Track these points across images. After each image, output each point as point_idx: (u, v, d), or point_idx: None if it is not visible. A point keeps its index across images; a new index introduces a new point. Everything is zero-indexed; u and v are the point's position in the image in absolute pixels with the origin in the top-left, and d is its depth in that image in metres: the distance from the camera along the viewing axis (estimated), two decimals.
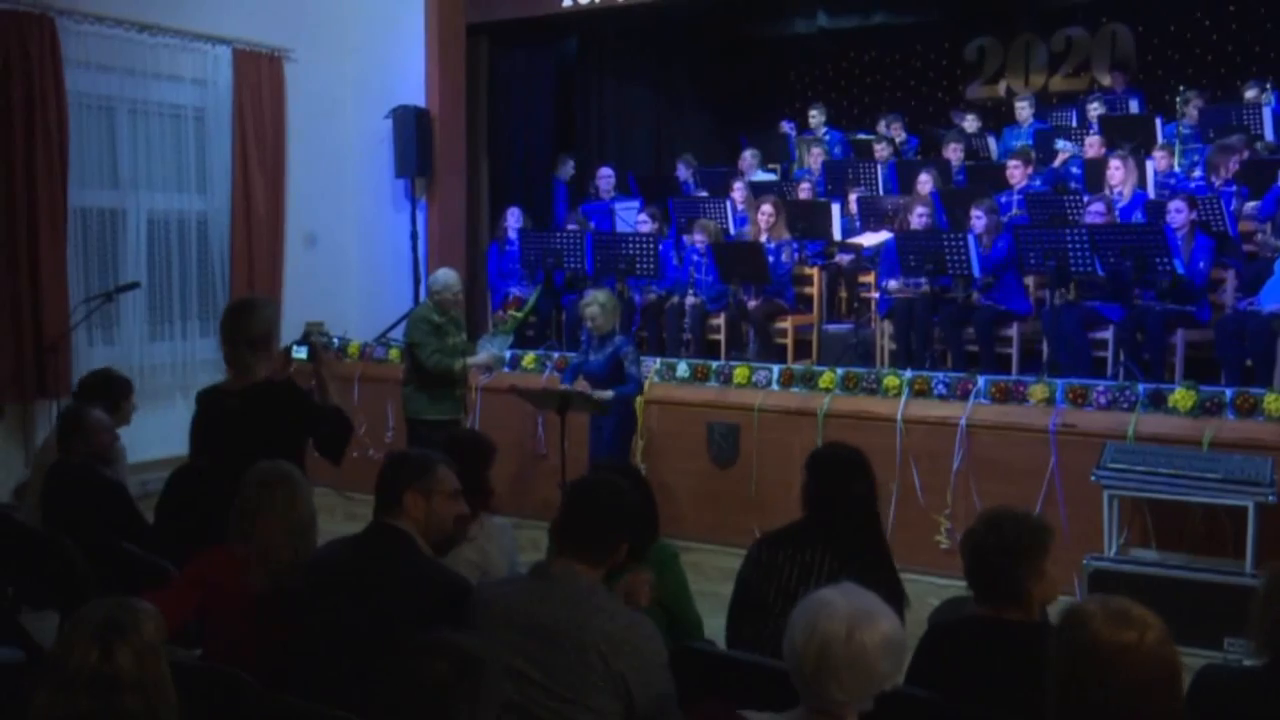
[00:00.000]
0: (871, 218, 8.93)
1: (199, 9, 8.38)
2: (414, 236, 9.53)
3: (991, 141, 10.60)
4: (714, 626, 3.59)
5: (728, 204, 9.20)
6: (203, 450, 4.24)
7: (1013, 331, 7.25)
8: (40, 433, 6.99)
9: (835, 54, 13.23)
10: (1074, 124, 10.37)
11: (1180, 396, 5.86)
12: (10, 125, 7.22)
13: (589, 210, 9.95)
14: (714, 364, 7.27)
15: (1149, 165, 8.50)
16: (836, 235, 8.81)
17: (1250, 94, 9.54)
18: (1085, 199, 7.81)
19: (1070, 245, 6.87)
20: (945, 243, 7.24)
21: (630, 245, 8.19)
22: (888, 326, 7.68)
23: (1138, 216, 7.71)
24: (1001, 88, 12.55)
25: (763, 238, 8.12)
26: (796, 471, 3.59)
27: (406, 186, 9.65)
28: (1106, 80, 11.69)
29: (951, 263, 7.19)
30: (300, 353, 4.37)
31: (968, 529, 2.87)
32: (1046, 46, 12.36)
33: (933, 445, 6.35)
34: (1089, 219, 7.26)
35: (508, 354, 7.38)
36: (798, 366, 7.11)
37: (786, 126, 11.71)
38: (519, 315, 7.59)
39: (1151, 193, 8.31)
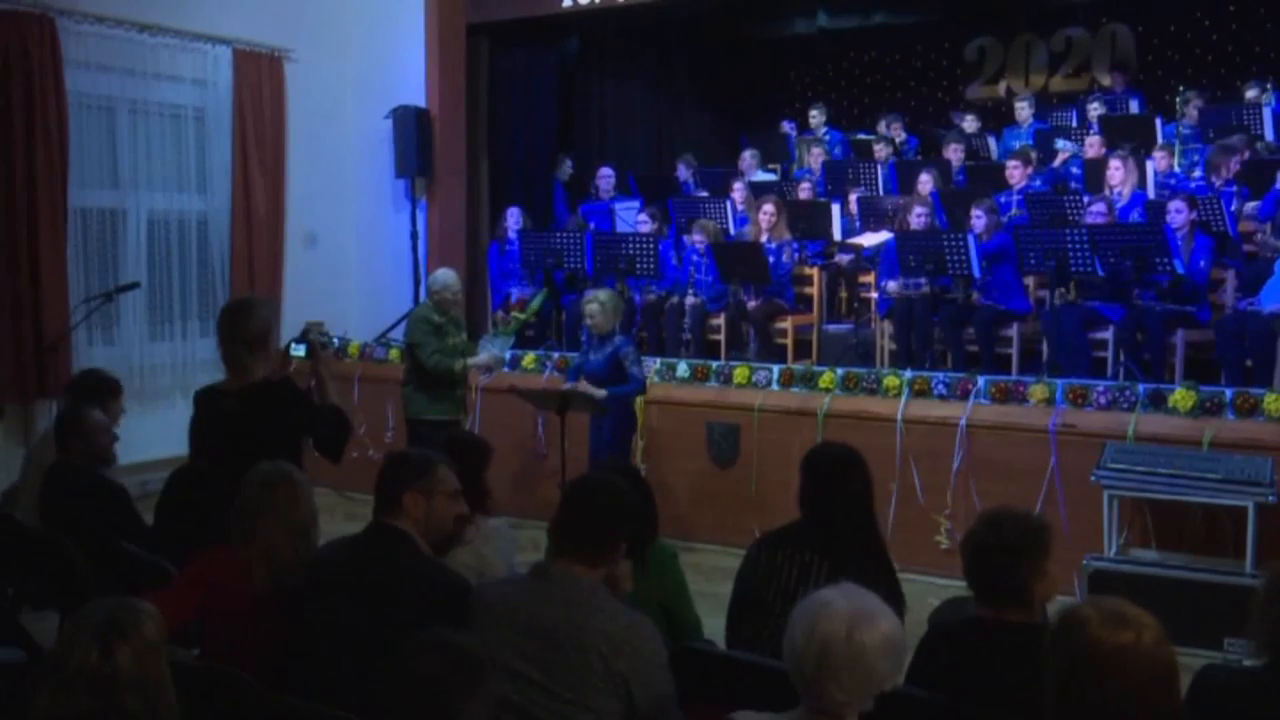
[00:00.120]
0: (871, 218, 8.94)
1: (199, 9, 8.38)
2: (414, 236, 9.53)
3: (991, 142, 10.60)
4: (714, 626, 3.59)
5: (728, 204, 9.20)
6: (201, 451, 4.23)
7: (1013, 332, 7.25)
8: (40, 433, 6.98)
9: (835, 54, 13.23)
10: (1074, 124, 10.37)
11: (1180, 397, 5.86)
12: (10, 125, 7.22)
13: (589, 210, 9.96)
14: (714, 364, 7.27)
15: (1149, 165, 8.51)
16: (836, 235, 8.81)
17: (1251, 94, 9.54)
18: (1085, 199, 7.81)
19: (1070, 245, 6.87)
20: (945, 243, 7.24)
21: (630, 245, 8.19)
22: (888, 326, 7.69)
23: (1136, 216, 7.71)
24: (1001, 88, 12.56)
25: (764, 238, 8.12)
26: (796, 472, 3.58)
27: (407, 186, 9.65)
28: (1106, 80, 11.69)
29: (951, 263, 7.18)
30: (299, 351, 4.37)
31: (969, 529, 2.86)
32: (1046, 46, 12.36)
33: (933, 445, 6.35)
34: (1090, 219, 7.27)
35: (508, 354, 7.38)
36: (798, 366, 7.11)
37: (787, 126, 11.71)
38: (521, 317, 7.59)
39: (1151, 193, 8.32)
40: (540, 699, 2.65)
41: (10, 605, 4.37)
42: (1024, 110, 10.40)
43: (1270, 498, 5.13)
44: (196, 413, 4.21)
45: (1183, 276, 6.76)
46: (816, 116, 11.28)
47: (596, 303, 6.45)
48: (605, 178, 10.12)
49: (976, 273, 7.20)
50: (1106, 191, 8.00)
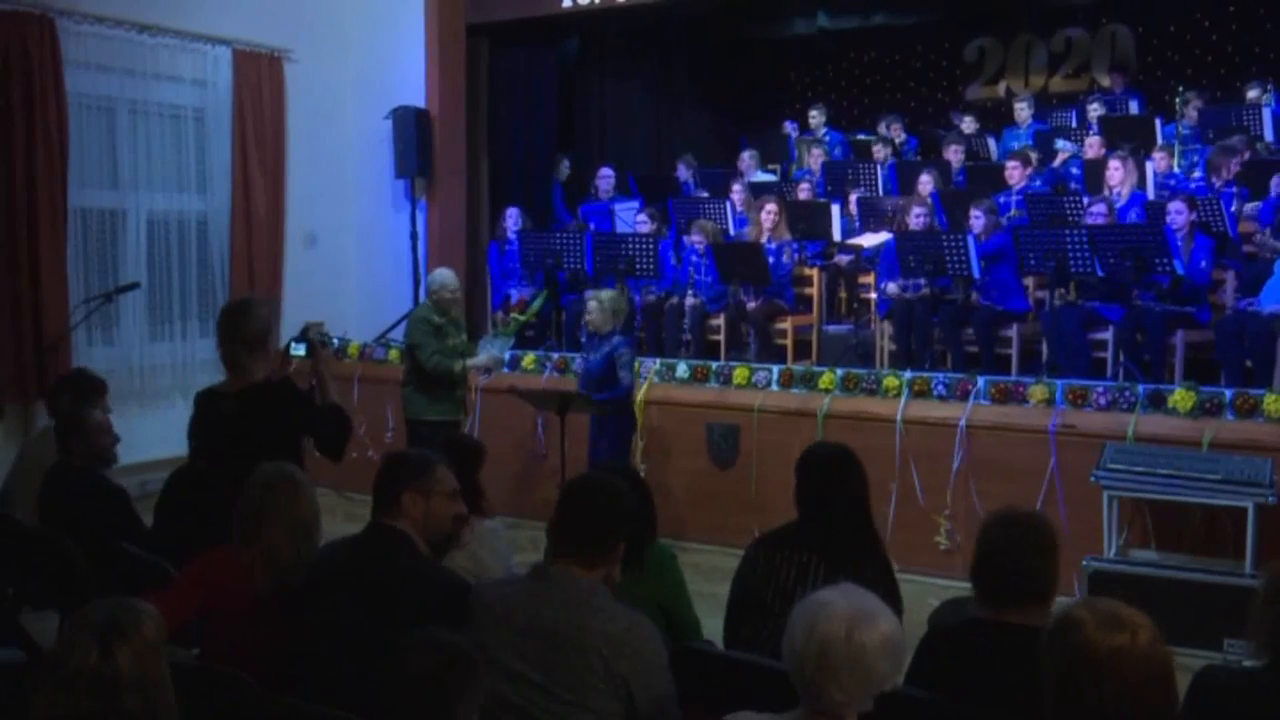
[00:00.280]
0: (871, 218, 8.94)
1: (199, 10, 8.38)
2: (414, 237, 9.53)
3: (991, 142, 10.60)
4: (713, 627, 3.59)
5: (728, 205, 9.20)
6: (201, 452, 4.23)
7: (1012, 332, 7.25)
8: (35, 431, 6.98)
9: (835, 54, 13.23)
10: (1074, 125, 10.37)
11: (1180, 397, 5.86)
12: (10, 125, 7.22)
13: (588, 211, 9.96)
14: (714, 364, 7.27)
15: (1149, 166, 8.51)
16: (836, 236, 8.81)
17: (1252, 94, 9.54)
18: (1085, 200, 7.82)
19: (1070, 246, 6.87)
20: (944, 243, 7.24)
21: (630, 246, 8.19)
22: (887, 327, 7.69)
23: (1135, 216, 7.71)
24: (1001, 88, 12.55)
25: (765, 238, 8.12)
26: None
27: (406, 187, 9.65)
28: (1106, 81, 11.69)
29: (951, 263, 7.18)
30: (299, 350, 4.37)
31: (984, 530, 2.80)
32: (1046, 47, 12.35)
33: (932, 446, 6.35)
34: (1089, 220, 7.27)
35: (507, 355, 7.38)
36: (797, 367, 7.11)
37: (790, 127, 11.70)
38: (521, 318, 7.59)
39: (1151, 193, 8.32)
40: (540, 700, 2.65)
41: (10, 605, 4.37)
42: (1023, 111, 10.40)
43: (1270, 498, 5.13)
44: (196, 414, 4.21)
45: (1182, 277, 6.76)
46: (816, 117, 11.28)
47: (596, 301, 6.48)
48: (605, 178, 10.12)
49: (976, 273, 7.20)
50: (1106, 192, 8.00)
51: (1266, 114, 9.16)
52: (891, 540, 5.79)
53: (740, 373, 7.06)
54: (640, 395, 7.11)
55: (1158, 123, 9.44)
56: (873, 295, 8.32)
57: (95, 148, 7.90)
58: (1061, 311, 7.07)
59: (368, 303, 9.55)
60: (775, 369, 7.04)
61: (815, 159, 10.36)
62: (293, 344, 4.40)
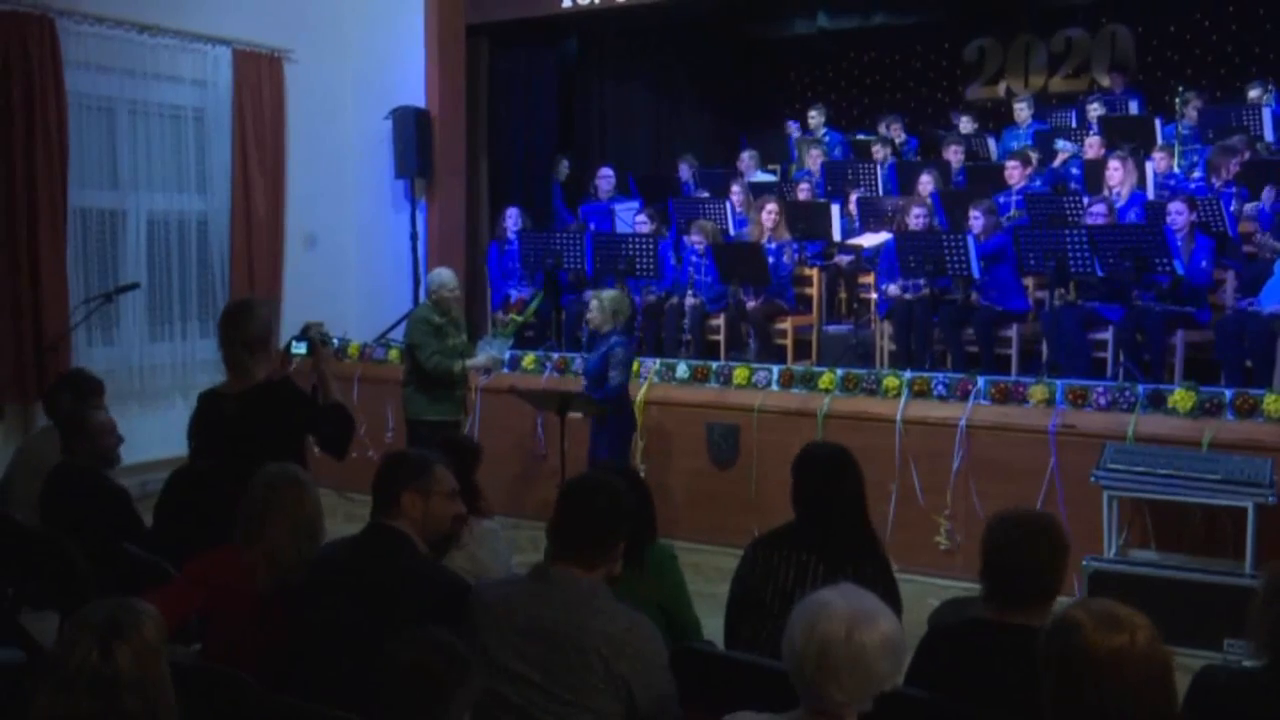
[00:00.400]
0: (871, 219, 8.94)
1: (199, 10, 8.38)
2: (414, 237, 9.53)
3: (991, 142, 10.60)
4: (713, 627, 3.59)
5: (728, 205, 9.20)
6: (201, 453, 4.23)
7: (1012, 332, 7.25)
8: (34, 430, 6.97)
9: (835, 55, 13.23)
10: (1073, 125, 10.37)
11: (1180, 397, 5.86)
12: (10, 126, 7.22)
13: (588, 211, 9.96)
14: (714, 364, 7.27)
15: (1148, 166, 8.51)
16: (836, 236, 8.81)
17: (1253, 94, 9.54)
18: (1085, 200, 7.81)
19: (1070, 246, 6.87)
20: (944, 243, 7.24)
21: (630, 246, 8.19)
22: (887, 327, 7.69)
23: (1134, 216, 7.71)
24: (1001, 88, 12.55)
25: (765, 238, 8.12)
26: None
27: (406, 187, 9.65)
28: (1106, 81, 11.69)
29: (951, 264, 7.18)
30: (300, 348, 4.37)
31: (991, 530, 2.79)
32: (1046, 47, 12.36)
33: (932, 446, 6.35)
34: (1089, 220, 7.27)
35: (507, 355, 7.38)
36: (797, 367, 7.11)
37: (792, 127, 11.68)
38: (519, 319, 7.59)
39: (1151, 193, 8.32)
40: (540, 700, 2.65)
41: (10, 605, 4.37)
42: (1023, 111, 10.40)
43: (1270, 498, 5.13)
44: (198, 415, 4.20)
45: (1182, 277, 6.76)
46: (815, 118, 11.28)
47: (597, 300, 6.50)
48: (605, 178, 10.12)
49: (976, 273, 7.20)
50: (1106, 192, 8.00)
51: (1267, 114, 9.16)
52: (891, 540, 5.81)
53: (740, 373, 7.06)
54: (640, 395, 7.12)
55: (1157, 123, 9.44)
56: (873, 295, 8.32)
57: (95, 148, 7.90)
58: (1061, 311, 7.07)
59: (368, 303, 9.55)
60: (775, 369, 7.04)
61: (814, 159, 10.35)
62: (294, 343, 4.40)
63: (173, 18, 8.18)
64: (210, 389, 4.30)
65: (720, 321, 8.04)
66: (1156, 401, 5.93)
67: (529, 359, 7.80)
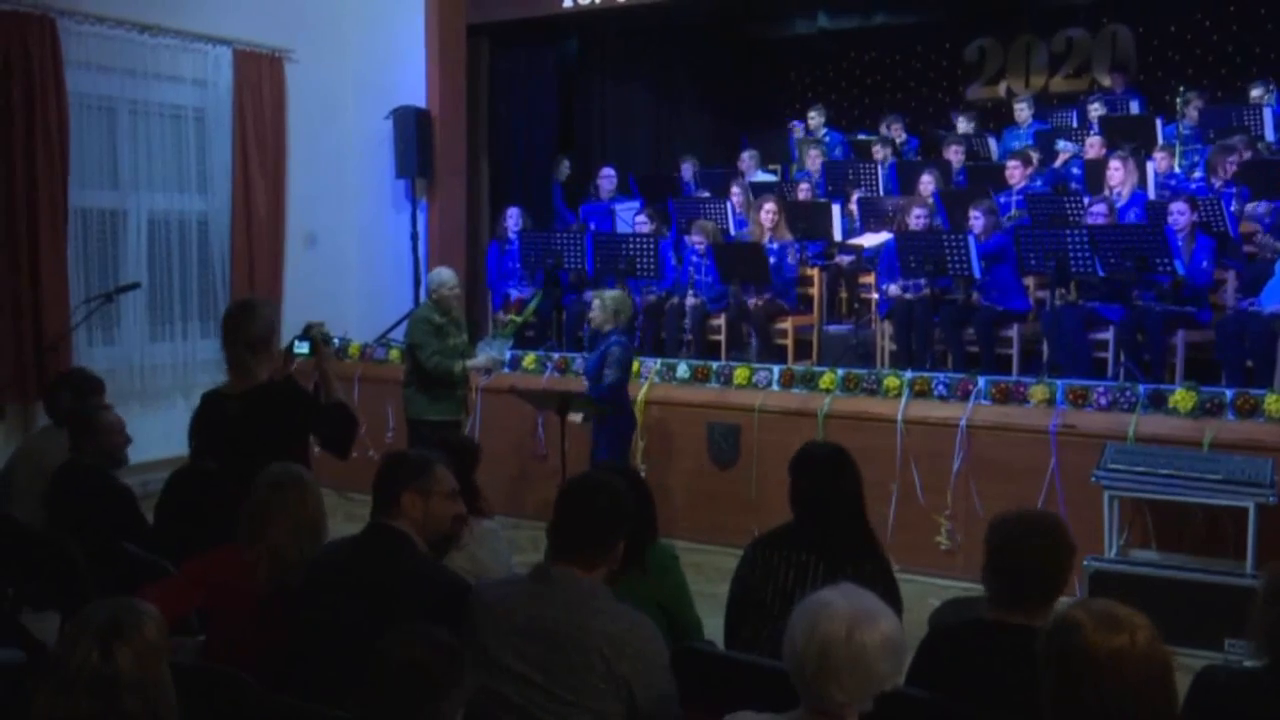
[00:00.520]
0: (872, 218, 8.93)
1: (199, 10, 8.38)
2: (414, 237, 9.53)
3: (992, 142, 10.60)
4: (714, 627, 3.59)
5: (728, 205, 9.20)
6: (202, 453, 4.23)
7: (1013, 332, 7.25)
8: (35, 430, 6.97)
9: (836, 54, 13.22)
10: (1074, 125, 10.37)
11: (1181, 397, 5.86)
12: (11, 125, 7.22)
13: (589, 211, 9.96)
14: (714, 364, 7.27)
15: (1149, 166, 8.50)
16: (837, 236, 8.81)
17: (1255, 93, 9.54)
18: (1086, 200, 7.81)
19: (1071, 246, 6.87)
20: (945, 243, 7.24)
21: (630, 246, 8.19)
22: (888, 327, 7.68)
23: (1134, 216, 7.71)
24: (1002, 88, 12.55)
25: (766, 238, 8.12)
26: None
27: (407, 187, 9.65)
28: (1107, 81, 11.68)
29: (952, 263, 7.18)
30: (302, 348, 4.37)
31: (997, 531, 2.78)
32: (1047, 47, 12.35)
33: (933, 446, 6.35)
34: (1090, 220, 7.27)
35: (508, 355, 7.38)
36: (798, 367, 7.11)
37: (797, 126, 11.66)
38: (518, 320, 7.59)
39: (1152, 193, 8.31)
40: (541, 700, 2.65)
41: (11, 605, 4.37)
42: (1024, 111, 10.40)
43: (1271, 498, 5.13)
44: (200, 415, 4.20)
45: (1183, 277, 6.76)
46: (815, 118, 11.27)
47: (599, 300, 6.52)
48: (607, 178, 10.12)
49: (977, 273, 7.20)
50: (1106, 192, 8.00)
51: (1268, 114, 9.16)
52: (892, 540, 5.81)
53: (741, 373, 7.06)
54: (641, 395, 7.12)
55: (1158, 123, 9.43)
56: (873, 295, 8.32)
57: (96, 148, 7.90)
58: (1062, 311, 7.07)
59: (368, 303, 9.55)
60: (776, 369, 7.04)
61: (814, 160, 10.34)
62: (296, 343, 4.40)
63: (173, 18, 8.19)
64: (213, 389, 4.30)
65: (721, 321, 8.04)
66: (1157, 401, 5.93)
67: (530, 359, 7.80)
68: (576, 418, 6.42)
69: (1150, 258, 6.68)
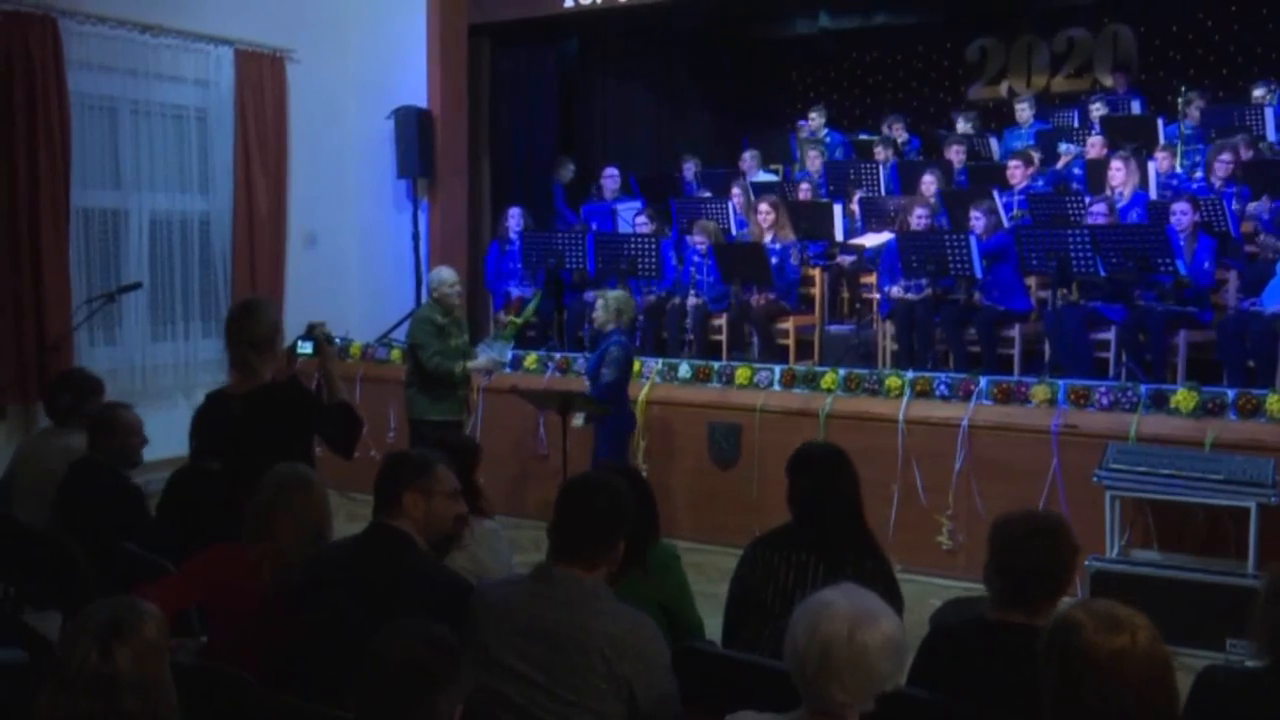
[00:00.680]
0: (873, 218, 8.93)
1: (201, 10, 8.38)
2: (415, 237, 9.53)
3: (993, 142, 10.59)
4: (715, 627, 3.59)
5: (729, 205, 9.20)
6: (204, 453, 4.24)
7: (1014, 332, 7.24)
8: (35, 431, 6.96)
9: (837, 54, 13.21)
10: (1076, 125, 10.36)
11: (1182, 397, 5.86)
12: (12, 126, 7.22)
13: (590, 211, 9.96)
14: (716, 364, 7.28)
15: (1151, 166, 8.49)
16: (838, 236, 8.81)
17: (1257, 93, 9.53)
18: (1087, 200, 7.81)
19: (1072, 246, 6.87)
20: (947, 243, 7.24)
21: (632, 246, 8.19)
22: (889, 327, 7.68)
23: (1136, 216, 7.70)
24: (1003, 88, 12.54)
25: (767, 238, 8.12)
26: None
27: (408, 187, 9.65)
28: (1108, 81, 11.67)
29: (953, 263, 7.18)
30: (306, 348, 4.36)
31: (1000, 531, 2.77)
32: (1048, 47, 12.34)
33: (934, 446, 6.35)
34: (1091, 220, 7.26)
35: (509, 355, 7.38)
36: (800, 367, 7.11)
37: (802, 126, 11.65)
38: (518, 321, 7.60)
39: (1153, 193, 8.30)
40: (542, 700, 2.65)
41: (12, 605, 4.37)
42: (1024, 111, 10.39)
43: (1272, 498, 5.12)
44: (203, 415, 4.20)
45: (1185, 277, 6.75)
46: (816, 118, 11.27)
47: (601, 299, 6.54)
48: (610, 178, 10.11)
49: (978, 273, 7.20)
50: (1108, 192, 7.99)
51: (1269, 114, 9.15)
52: (893, 540, 5.81)
53: (742, 373, 7.06)
54: (642, 395, 7.12)
55: (1160, 123, 9.42)
56: (875, 295, 8.31)
57: (97, 148, 7.90)
58: (1064, 311, 7.06)
59: (369, 303, 9.55)
60: (777, 369, 7.04)
61: (814, 160, 10.33)
62: (299, 343, 4.40)
63: (175, 18, 8.19)
64: (217, 389, 4.31)
65: (722, 321, 8.04)
66: (1159, 401, 5.93)
67: (531, 359, 7.80)
68: (578, 421, 6.42)
69: (1152, 258, 6.68)
